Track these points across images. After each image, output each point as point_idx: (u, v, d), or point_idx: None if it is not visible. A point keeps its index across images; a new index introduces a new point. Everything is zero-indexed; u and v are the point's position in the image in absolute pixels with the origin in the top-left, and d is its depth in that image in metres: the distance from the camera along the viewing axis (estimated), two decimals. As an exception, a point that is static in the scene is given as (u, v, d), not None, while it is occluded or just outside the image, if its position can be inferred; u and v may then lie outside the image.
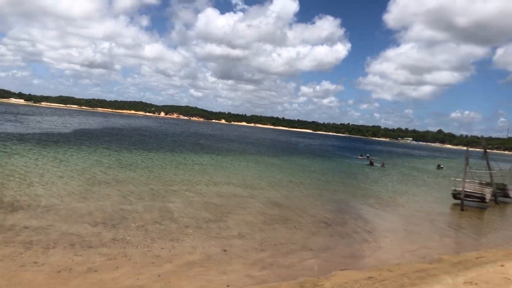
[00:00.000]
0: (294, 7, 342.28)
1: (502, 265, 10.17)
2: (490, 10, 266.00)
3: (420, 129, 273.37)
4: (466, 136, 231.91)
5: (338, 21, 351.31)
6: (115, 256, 8.96)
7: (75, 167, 19.76)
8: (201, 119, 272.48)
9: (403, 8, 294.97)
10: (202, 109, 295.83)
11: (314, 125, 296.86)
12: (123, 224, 11.50)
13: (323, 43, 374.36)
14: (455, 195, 21.14)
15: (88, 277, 7.77)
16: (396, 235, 13.60)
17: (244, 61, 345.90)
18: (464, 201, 19.97)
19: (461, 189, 20.42)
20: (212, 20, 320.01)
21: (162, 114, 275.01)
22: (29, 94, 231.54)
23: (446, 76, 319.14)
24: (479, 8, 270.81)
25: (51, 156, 22.65)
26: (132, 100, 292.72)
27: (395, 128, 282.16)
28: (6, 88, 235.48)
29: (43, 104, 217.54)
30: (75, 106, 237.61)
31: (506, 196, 23.93)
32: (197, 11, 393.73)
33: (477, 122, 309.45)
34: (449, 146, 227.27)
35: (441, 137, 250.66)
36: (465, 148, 25.42)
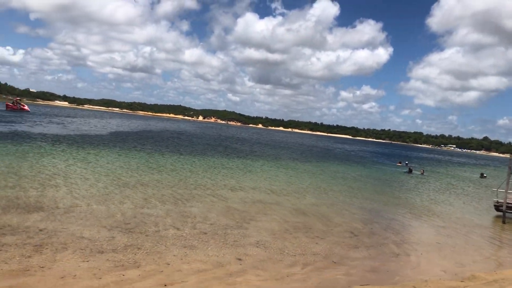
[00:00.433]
0: (335, 11, 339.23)
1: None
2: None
3: (464, 136, 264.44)
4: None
5: (379, 25, 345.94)
6: (123, 262, 8.65)
7: (102, 169, 19.83)
8: (238, 124, 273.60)
9: (447, 12, 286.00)
10: (239, 114, 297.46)
11: (353, 131, 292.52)
12: (140, 228, 11.24)
13: (364, 47, 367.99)
14: (497, 207, 19.78)
15: (91, 284, 7.47)
16: (427, 248, 12.68)
17: (283, 66, 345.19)
18: (506, 213, 18.64)
19: (503, 200, 19.08)
20: (251, 24, 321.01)
21: (200, 118, 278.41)
22: (73, 97, 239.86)
23: (493, 81, 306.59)
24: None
25: (81, 158, 22.92)
26: (172, 103, 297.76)
27: (438, 134, 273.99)
28: (51, 91, 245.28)
29: (86, 106, 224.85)
30: (117, 109, 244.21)
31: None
32: (237, 16, 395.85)
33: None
34: (495, 154, 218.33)
35: (487, 144, 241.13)
36: None
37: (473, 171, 56.78)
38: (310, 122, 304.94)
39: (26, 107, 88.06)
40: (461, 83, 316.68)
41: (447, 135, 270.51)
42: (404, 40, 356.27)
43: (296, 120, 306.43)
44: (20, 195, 13.14)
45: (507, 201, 18.98)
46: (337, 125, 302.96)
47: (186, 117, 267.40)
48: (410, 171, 40.50)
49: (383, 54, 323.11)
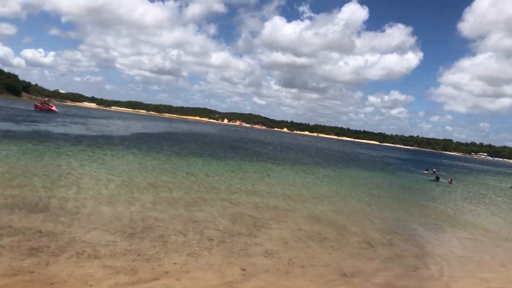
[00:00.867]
0: (364, 15, 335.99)
1: None
2: None
3: (497, 144, 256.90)
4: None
5: (409, 29, 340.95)
6: (119, 269, 8.19)
7: (116, 170, 19.56)
8: (263, 127, 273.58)
9: (480, 17, 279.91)
10: (264, 117, 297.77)
11: (380, 137, 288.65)
12: (144, 233, 10.78)
13: (393, 52, 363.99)
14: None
15: (79, 292, 7.03)
16: (449, 262, 11.79)
17: (309, 69, 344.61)
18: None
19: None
20: (279, 28, 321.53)
21: (225, 121, 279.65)
22: (101, 99, 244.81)
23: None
24: None
25: (97, 158, 22.77)
26: (197, 106, 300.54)
27: (469, 142, 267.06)
28: (80, 92, 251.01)
29: (113, 108, 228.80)
30: (143, 111, 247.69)
31: None
32: (264, 20, 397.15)
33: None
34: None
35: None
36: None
37: (504, 181, 54.61)
38: (336, 127, 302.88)
39: (54, 108, 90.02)
40: (494, 89, 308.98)
41: (478, 143, 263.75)
42: (435, 45, 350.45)
43: (322, 124, 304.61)
44: (28, 195, 12.91)
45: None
46: (364, 131, 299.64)
47: (211, 120, 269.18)
48: (437, 179, 39.04)
49: (412, 58, 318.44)
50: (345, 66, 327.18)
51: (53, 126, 44.89)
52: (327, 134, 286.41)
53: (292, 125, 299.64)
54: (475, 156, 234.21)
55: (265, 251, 10.64)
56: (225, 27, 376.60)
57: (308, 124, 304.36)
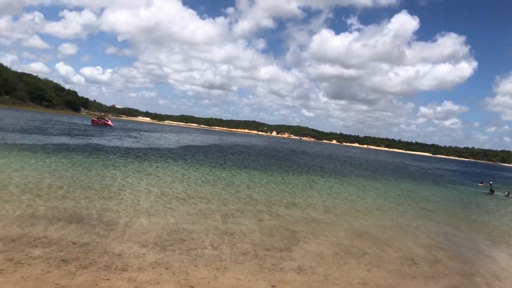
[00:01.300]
0: (414, 25, 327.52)
1: None
2: None
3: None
4: None
5: (462, 38, 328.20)
6: (144, 283, 8.09)
7: (158, 181, 19.80)
8: (312, 139, 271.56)
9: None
10: (312, 129, 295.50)
11: (433, 148, 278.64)
12: (176, 245, 10.68)
13: (445, 62, 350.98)
14: None
15: (101, 306, 6.97)
16: (501, 282, 10.86)
17: (358, 81, 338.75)
18: None
19: None
20: (327, 40, 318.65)
21: (274, 133, 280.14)
22: (155, 113, 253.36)
23: None
24: None
25: (142, 170, 23.20)
26: (246, 119, 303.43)
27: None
28: (135, 107, 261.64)
29: (166, 122, 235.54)
30: (194, 124, 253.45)
31: None
32: (312, 33, 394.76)
33: None
34: None
35: None
36: None
37: None
38: (387, 139, 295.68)
39: (109, 122, 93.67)
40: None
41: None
42: (490, 53, 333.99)
43: (372, 136, 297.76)
44: (69, 206, 13.21)
45: None
46: (416, 142, 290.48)
47: (260, 133, 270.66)
48: (491, 192, 36.83)
49: (466, 68, 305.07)
50: (395, 77, 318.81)
51: (105, 140, 46.52)
52: (377, 146, 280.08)
53: (341, 137, 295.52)
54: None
55: (298, 266, 10.23)
56: (274, 41, 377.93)
57: (358, 135, 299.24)
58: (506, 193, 37.02)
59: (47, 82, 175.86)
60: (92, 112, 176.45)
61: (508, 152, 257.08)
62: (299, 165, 43.14)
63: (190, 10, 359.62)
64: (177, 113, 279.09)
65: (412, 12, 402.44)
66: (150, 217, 13.21)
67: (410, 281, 10.16)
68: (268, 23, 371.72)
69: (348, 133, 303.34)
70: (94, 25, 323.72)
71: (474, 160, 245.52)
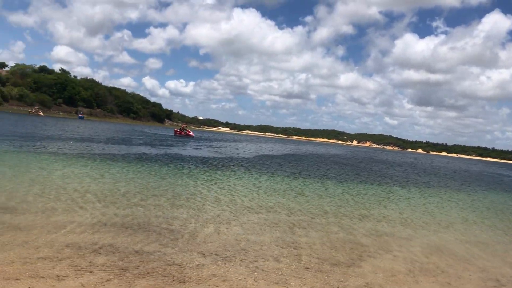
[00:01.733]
0: (508, 24, 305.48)
1: None
2: None
3: None
4: None
5: None
6: (199, 295, 7.89)
7: (228, 191, 19.80)
8: (396, 148, 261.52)
9: None
10: (396, 138, 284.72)
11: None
12: (236, 257, 10.39)
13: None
14: None
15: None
16: None
17: (446, 86, 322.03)
18: None
19: None
20: (410, 45, 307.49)
21: (355, 142, 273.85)
22: (234, 123, 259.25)
23: None
24: None
25: (215, 179, 23.41)
26: (325, 128, 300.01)
27: None
28: (216, 118, 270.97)
29: (245, 132, 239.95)
30: (273, 134, 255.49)
31: None
32: (394, 38, 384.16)
33: None
34: None
35: None
36: None
37: None
38: (479, 147, 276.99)
39: (191, 133, 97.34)
40: None
41: None
42: None
43: (462, 144, 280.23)
44: (139, 214, 13.48)
45: None
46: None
47: (339, 142, 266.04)
48: None
49: None
50: (487, 81, 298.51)
51: (184, 149, 48.11)
52: (467, 155, 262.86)
53: (428, 146, 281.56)
54: None
55: (365, 284, 9.47)
56: (354, 47, 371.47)
57: (446, 144, 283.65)
58: None
59: (134, 96, 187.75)
60: (175, 123, 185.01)
61: None
62: (378, 175, 41.37)
63: (268, 21, 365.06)
64: (255, 123, 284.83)
65: (506, 11, 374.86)
66: (215, 226, 13.10)
67: (496, 307, 8.98)
68: (347, 29, 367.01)
69: (435, 142, 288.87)
70: (177, 40, 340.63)
71: None
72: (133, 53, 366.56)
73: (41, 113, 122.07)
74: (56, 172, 20.09)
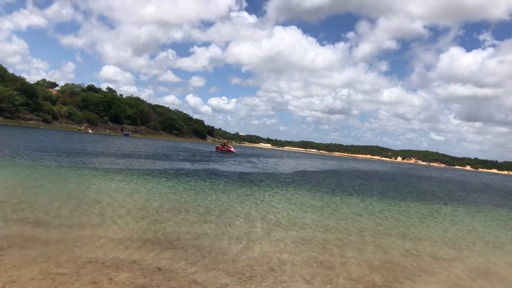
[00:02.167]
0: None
1: None
2: None
3: None
4: None
5: None
6: (219, 317, 7.45)
7: (262, 207, 19.30)
8: (442, 165, 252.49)
9: None
10: (443, 154, 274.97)
11: None
12: (264, 277, 9.87)
13: None
14: None
15: None
16: None
17: (495, 101, 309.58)
18: None
19: None
20: (456, 59, 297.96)
21: (399, 158, 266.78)
22: (275, 139, 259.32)
23: None
24: None
25: (249, 195, 22.98)
26: (368, 144, 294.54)
27: None
28: (257, 134, 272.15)
29: (286, 148, 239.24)
30: (314, 150, 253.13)
31: None
32: (439, 52, 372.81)
33: None
34: None
35: None
36: None
37: None
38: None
39: (232, 149, 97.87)
40: None
41: None
42: None
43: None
44: (168, 231, 13.21)
45: None
46: None
47: (383, 158, 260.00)
48: None
49: None
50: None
51: (224, 165, 48.11)
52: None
53: (477, 162, 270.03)
54: None
55: (402, 310, 8.74)
56: (397, 62, 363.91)
57: (496, 161, 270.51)
58: None
59: (177, 113, 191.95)
60: (217, 140, 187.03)
61: None
62: (422, 192, 39.68)
63: (310, 38, 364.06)
64: (297, 139, 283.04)
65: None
66: (244, 243, 12.66)
67: None
68: (390, 44, 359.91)
69: (485, 158, 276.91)
70: (220, 58, 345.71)
71: None
72: (177, 71, 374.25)
73: (90, 131, 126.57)
74: (92, 187, 20.35)
